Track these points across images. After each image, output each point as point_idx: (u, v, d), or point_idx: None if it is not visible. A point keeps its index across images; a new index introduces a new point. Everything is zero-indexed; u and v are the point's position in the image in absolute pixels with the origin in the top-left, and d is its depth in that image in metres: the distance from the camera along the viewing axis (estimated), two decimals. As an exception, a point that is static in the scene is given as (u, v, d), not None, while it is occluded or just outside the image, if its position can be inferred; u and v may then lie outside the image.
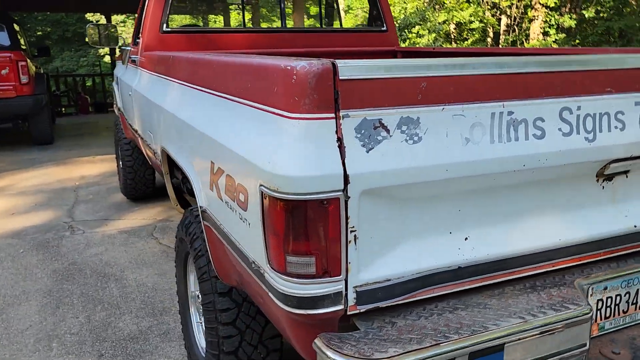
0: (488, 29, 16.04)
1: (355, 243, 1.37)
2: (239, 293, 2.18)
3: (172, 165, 2.94)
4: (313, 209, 1.31)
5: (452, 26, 16.02)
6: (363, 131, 1.33)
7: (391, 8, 4.44)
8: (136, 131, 4.03)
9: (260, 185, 1.38)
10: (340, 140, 1.31)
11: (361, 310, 1.41)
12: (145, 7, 3.93)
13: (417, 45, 14.61)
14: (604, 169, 1.65)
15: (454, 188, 1.46)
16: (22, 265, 4.11)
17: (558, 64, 1.54)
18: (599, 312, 1.70)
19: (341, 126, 1.31)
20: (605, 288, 1.69)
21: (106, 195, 6.00)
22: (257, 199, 1.43)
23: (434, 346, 1.31)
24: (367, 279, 1.41)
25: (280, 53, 3.75)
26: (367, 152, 1.33)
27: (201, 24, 13.85)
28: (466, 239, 1.53)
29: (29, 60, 8.78)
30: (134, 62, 4.11)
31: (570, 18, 14.41)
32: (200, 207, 2.07)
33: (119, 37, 4.78)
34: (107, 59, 22.13)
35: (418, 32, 15.15)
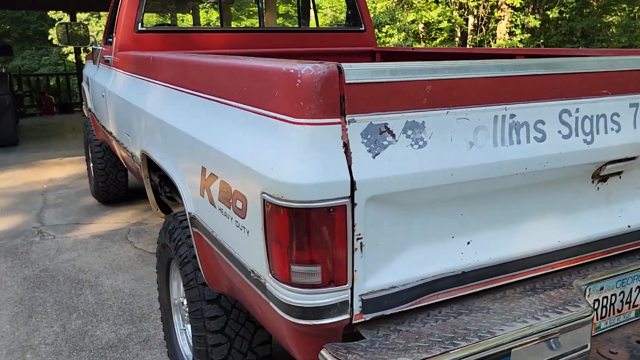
0: (456, 28, 16.26)
1: (362, 251, 1.34)
2: (227, 300, 2.12)
3: (150, 168, 2.86)
4: (319, 216, 1.27)
5: (421, 26, 16.18)
6: (369, 136, 1.30)
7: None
8: (110, 133, 3.91)
9: (262, 192, 1.34)
10: (346, 145, 1.28)
11: (366, 319, 1.38)
12: (119, 5, 3.81)
13: (387, 45, 14.69)
14: (599, 170, 1.67)
15: (457, 192, 1.45)
16: (-10, 273, 3.95)
17: (559, 66, 1.54)
18: (595, 312, 1.71)
19: (347, 131, 1.28)
20: (602, 288, 1.71)
21: (76, 199, 5.83)
22: (257, 206, 1.38)
23: (443, 354, 1.29)
24: (372, 287, 1.38)
25: (262, 54, 3.69)
26: (374, 157, 1.30)
27: (169, 22, 13.62)
28: (468, 243, 1.52)
29: (-10, 60, 8.47)
30: (107, 62, 3.99)
31: (535, 18, 14.74)
32: (189, 213, 2.00)
33: (90, 37, 4.63)
34: (72, 57, 21.56)
35: (387, 31, 15.25)
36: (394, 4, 16.16)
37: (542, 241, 1.62)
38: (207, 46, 3.98)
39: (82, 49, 14.79)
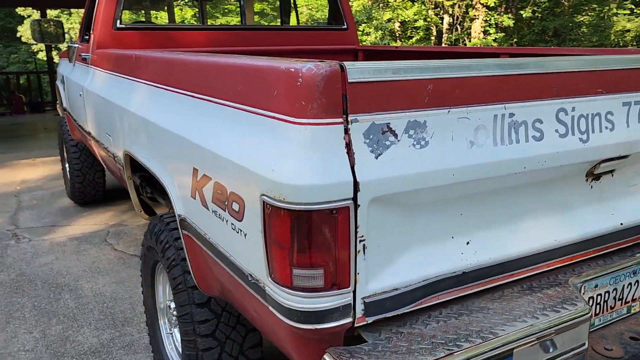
0: (432, 27, 16.38)
1: (364, 253, 1.32)
2: (217, 303, 2.08)
3: (132, 169, 2.79)
4: (322, 219, 1.24)
5: (397, 24, 16.27)
6: (371, 136, 1.28)
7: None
8: (89, 133, 3.82)
9: (262, 195, 1.30)
10: (348, 146, 1.25)
11: (368, 322, 1.36)
12: (97, 2, 3.72)
13: (364, 43, 14.72)
14: (593, 168, 1.68)
15: (458, 192, 1.43)
16: (-37, 278, 3.82)
17: (556, 65, 1.54)
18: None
19: (350, 131, 1.25)
20: (596, 286, 1.72)
21: (52, 200, 5.68)
22: (256, 209, 1.34)
23: (448, 356, 1.28)
24: (375, 289, 1.36)
25: (245, 52, 3.64)
26: (376, 158, 1.28)
27: (144, 19, 13.38)
28: (468, 243, 1.51)
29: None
30: (84, 60, 3.89)
31: (509, 18, 14.95)
32: (179, 215, 1.95)
33: (66, 34, 4.50)
34: (42, 55, 21.07)
35: (364, 30, 15.28)
36: (370, 2, 16.20)
37: (539, 240, 1.62)
38: (188, 44, 3.91)
39: (53, 46, 14.46)
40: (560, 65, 1.55)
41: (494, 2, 14.46)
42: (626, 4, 14.82)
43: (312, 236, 1.25)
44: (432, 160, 1.34)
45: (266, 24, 17.66)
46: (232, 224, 1.50)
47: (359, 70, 1.25)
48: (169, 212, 2.36)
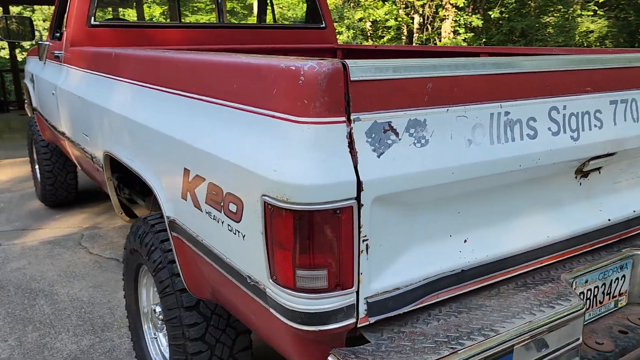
0: (402, 27, 16.51)
1: (367, 252, 1.31)
2: (207, 306, 2.05)
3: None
4: (325, 219, 1.23)
5: (369, 24, 16.35)
6: (374, 135, 1.27)
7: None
8: (62, 133, 3.71)
9: (263, 195, 1.28)
10: (351, 145, 1.24)
11: (371, 322, 1.35)
12: (70, -1, 3.62)
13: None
14: (583, 166, 1.70)
15: (456, 191, 1.44)
16: None
17: (550, 64, 1.56)
18: (582, 304, 1.75)
19: (352, 130, 1.24)
20: (586, 281, 1.75)
21: (21, 203, 5.51)
22: (256, 209, 1.32)
23: (452, 354, 1.28)
24: (377, 289, 1.35)
25: (222, 50, 3.59)
26: (378, 157, 1.27)
27: (111, 17, 13.11)
28: (465, 241, 1.52)
29: None
30: (57, 57, 3.78)
31: (478, 18, 15.18)
32: (167, 217, 1.91)
33: (36, 31, 4.37)
34: (4, 53, 20.42)
35: (336, 29, 15.30)
36: (342, 1, 16.24)
37: (532, 237, 1.64)
38: (164, 42, 3.84)
39: (16, 43, 14.02)
40: (553, 64, 1.57)
41: (463, 3, 14.66)
42: (589, 6, 15.22)
43: (316, 236, 1.24)
44: (432, 158, 1.34)
45: (236, 22, 17.51)
46: (228, 225, 1.48)
47: (361, 69, 1.24)
48: (153, 214, 2.31)
